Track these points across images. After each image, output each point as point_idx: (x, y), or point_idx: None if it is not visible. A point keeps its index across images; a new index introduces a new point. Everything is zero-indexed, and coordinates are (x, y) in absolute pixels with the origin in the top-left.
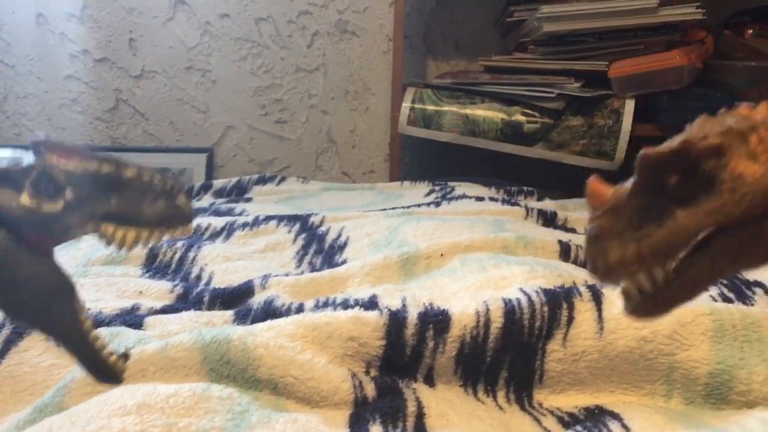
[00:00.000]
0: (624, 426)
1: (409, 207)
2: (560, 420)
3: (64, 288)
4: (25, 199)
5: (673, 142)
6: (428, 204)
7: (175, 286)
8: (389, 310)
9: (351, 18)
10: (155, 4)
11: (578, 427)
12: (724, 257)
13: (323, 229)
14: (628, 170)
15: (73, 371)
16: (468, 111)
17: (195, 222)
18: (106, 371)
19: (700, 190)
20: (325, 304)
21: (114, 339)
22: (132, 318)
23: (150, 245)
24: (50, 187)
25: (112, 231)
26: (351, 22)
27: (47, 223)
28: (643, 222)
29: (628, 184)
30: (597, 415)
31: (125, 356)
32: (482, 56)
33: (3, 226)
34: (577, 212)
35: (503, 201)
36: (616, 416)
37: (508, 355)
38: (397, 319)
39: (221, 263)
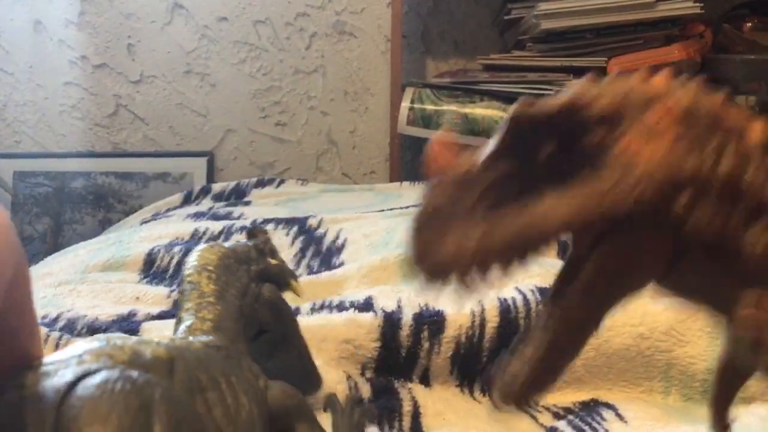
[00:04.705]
0: (618, 415)
1: (407, 207)
2: (556, 415)
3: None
4: (273, 261)
5: (556, 99)
6: None
7: (172, 291)
8: (384, 311)
9: (349, 19)
10: (153, 9)
11: (570, 416)
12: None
13: (321, 231)
14: None
15: None
16: (467, 110)
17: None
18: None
19: (581, 167)
20: (322, 307)
21: None
22: (128, 324)
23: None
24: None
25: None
26: (349, 23)
27: (281, 275)
28: (498, 202)
29: (488, 149)
30: (592, 406)
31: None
32: (481, 55)
33: (269, 281)
34: None
35: None
36: (611, 407)
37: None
38: (391, 321)
39: None
